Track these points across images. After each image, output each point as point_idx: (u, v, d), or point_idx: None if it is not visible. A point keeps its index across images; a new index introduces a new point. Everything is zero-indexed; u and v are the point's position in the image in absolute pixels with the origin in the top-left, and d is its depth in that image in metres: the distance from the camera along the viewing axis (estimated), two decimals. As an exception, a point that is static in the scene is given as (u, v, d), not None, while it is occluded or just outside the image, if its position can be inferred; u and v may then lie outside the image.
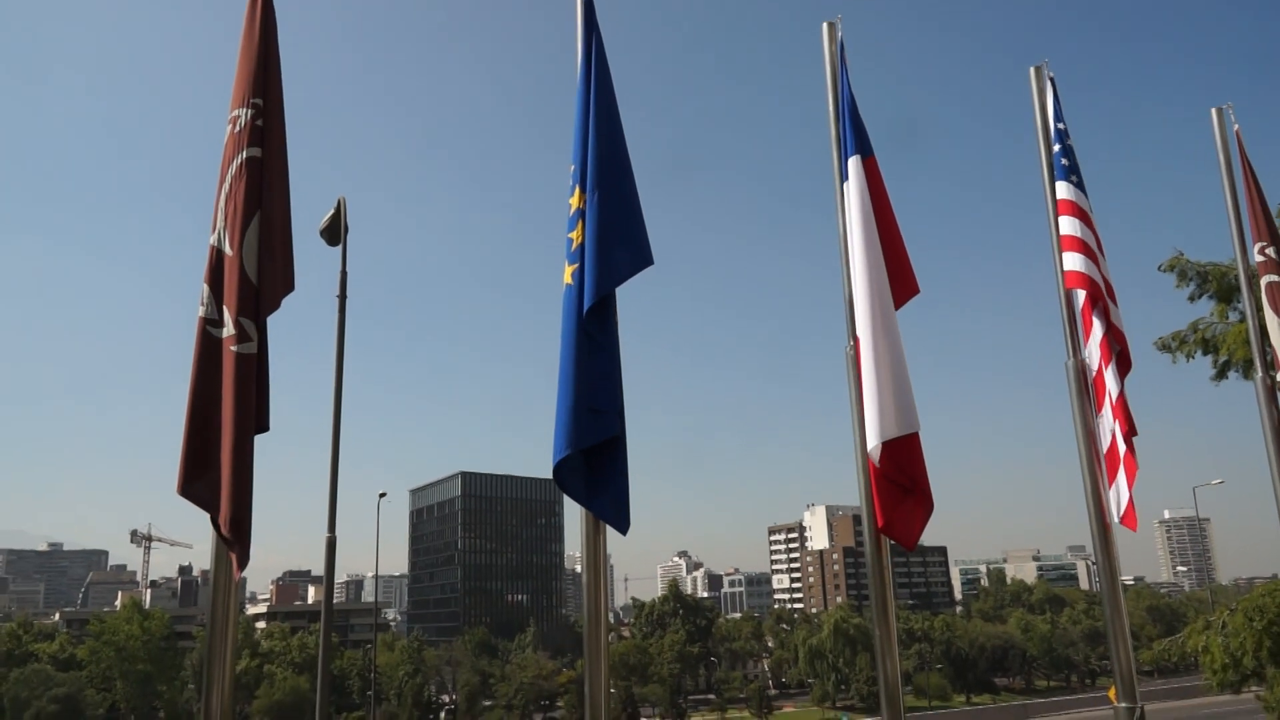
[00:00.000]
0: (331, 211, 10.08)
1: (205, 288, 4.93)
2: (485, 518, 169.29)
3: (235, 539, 4.56)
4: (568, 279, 5.45)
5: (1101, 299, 6.81)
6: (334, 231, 9.49)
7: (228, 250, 4.92)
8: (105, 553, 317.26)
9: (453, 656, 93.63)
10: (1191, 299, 14.11)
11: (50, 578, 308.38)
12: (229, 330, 4.79)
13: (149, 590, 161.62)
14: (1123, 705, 6.46)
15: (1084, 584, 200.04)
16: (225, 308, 4.83)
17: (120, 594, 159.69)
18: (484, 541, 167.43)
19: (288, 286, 4.96)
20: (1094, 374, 6.70)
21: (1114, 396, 6.48)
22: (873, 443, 5.55)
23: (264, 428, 4.82)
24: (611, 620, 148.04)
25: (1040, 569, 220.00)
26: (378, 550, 43.59)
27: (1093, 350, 6.75)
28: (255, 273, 4.84)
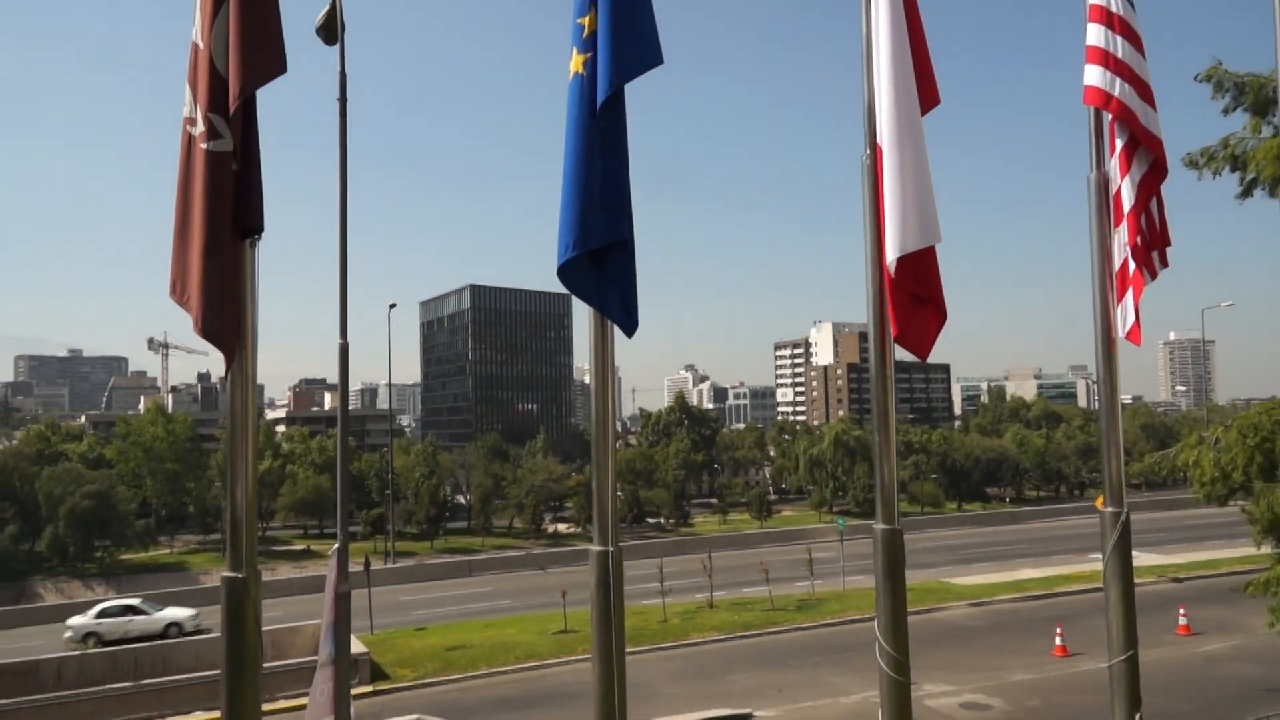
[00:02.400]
0: (327, 7, 9.57)
1: (186, 88, 4.77)
2: (495, 330, 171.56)
3: (210, 338, 4.54)
4: (577, 68, 5.17)
5: (1128, 114, 6.54)
6: (330, 29, 9.02)
7: (200, 44, 4.71)
8: (125, 359, 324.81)
9: (466, 460, 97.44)
10: (1226, 112, 13.58)
11: (73, 383, 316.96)
12: (199, 128, 4.62)
13: (170, 396, 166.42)
14: (1109, 510, 6.73)
15: (1082, 403, 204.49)
16: (197, 104, 4.66)
17: (143, 399, 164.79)
18: (494, 353, 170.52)
19: (268, 70, 4.64)
20: (1115, 188, 6.55)
21: (1128, 210, 6.36)
22: (893, 255, 5.48)
23: (254, 229, 4.73)
24: (619, 429, 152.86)
25: (1040, 387, 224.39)
26: (390, 358, 44.41)
27: (1114, 163, 6.57)
28: (224, 65, 4.60)
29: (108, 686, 23.22)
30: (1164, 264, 6.59)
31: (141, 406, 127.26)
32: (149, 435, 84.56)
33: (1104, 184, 6.69)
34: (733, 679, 23.28)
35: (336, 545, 10.71)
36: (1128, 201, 6.37)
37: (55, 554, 72.32)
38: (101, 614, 37.47)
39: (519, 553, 65.57)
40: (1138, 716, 6.99)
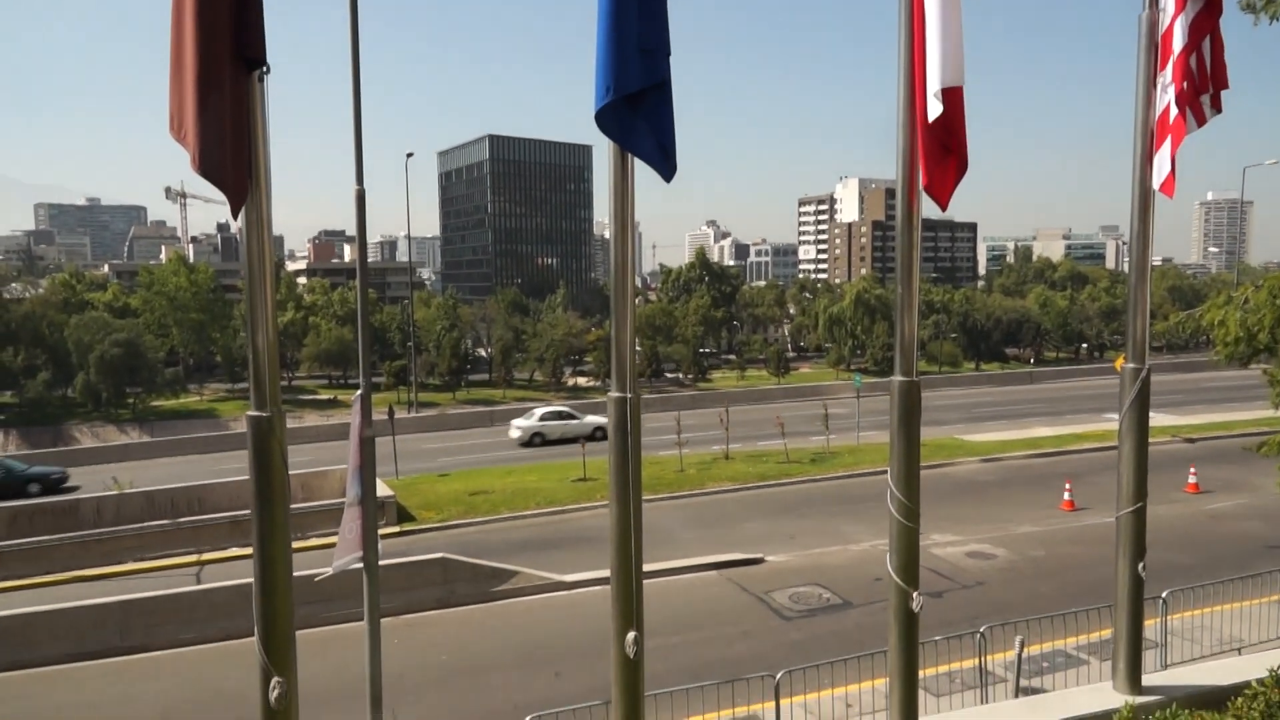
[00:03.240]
0: None
1: None
2: (514, 181, 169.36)
3: (208, 176, 4.42)
4: None
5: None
6: None
7: None
8: (144, 208, 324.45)
9: (486, 314, 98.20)
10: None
11: (93, 232, 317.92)
12: None
13: (190, 246, 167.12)
14: (1130, 365, 6.74)
15: (1110, 264, 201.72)
16: None
17: (164, 249, 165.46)
18: (513, 205, 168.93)
19: None
20: (1164, 28, 6.20)
21: (1178, 52, 6.04)
22: (936, 86, 5.29)
23: (256, 61, 4.56)
24: (639, 285, 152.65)
25: (1069, 248, 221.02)
26: (408, 210, 44.03)
27: (1168, 1, 6.20)
28: None
29: (146, 524, 24.34)
30: (1216, 109, 6.30)
31: (163, 257, 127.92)
32: (172, 285, 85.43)
33: (1154, 24, 6.34)
34: (746, 526, 24.09)
35: (359, 391, 10.94)
36: (1178, 42, 6.05)
37: (88, 399, 74.44)
38: (544, 417, 43.86)
39: (539, 404, 66.85)
40: (1141, 565, 7.20)
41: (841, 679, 11.69)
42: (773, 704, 11.02)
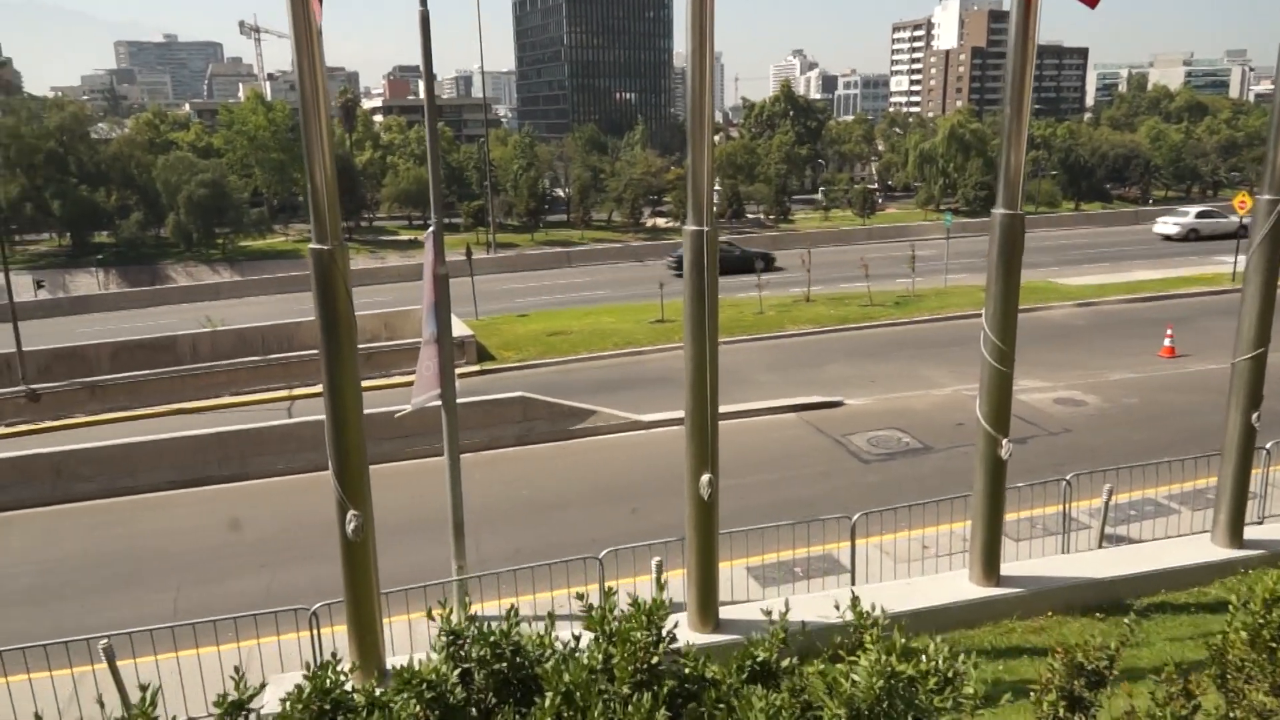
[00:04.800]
0: None
1: None
2: (590, 9, 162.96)
3: None
4: None
5: None
6: None
7: None
8: (220, 45, 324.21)
9: (564, 152, 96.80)
10: None
11: (172, 70, 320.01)
12: None
13: (268, 83, 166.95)
14: (1264, 197, 6.09)
15: (1234, 93, 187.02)
16: None
17: (241, 86, 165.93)
18: (590, 36, 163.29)
19: None
20: None
21: None
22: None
23: None
24: (719, 120, 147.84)
25: (1189, 75, 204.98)
26: (480, 42, 42.68)
27: None
28: None
29: (239, 360, 25.37)
30: None
31: (241, 95, 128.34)
32: (252, 124, 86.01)
33: None
34: (826, 370, 23.90)
35: (431, 229, 10.83)
36: None
37: (180, 240, 76.91)
38: (1198, 215, 48.79)
39: (617, 245, 66.57)
40: (1255, 415, 6.77)
41: (919, 521, 11.68)
42: (848, 544, 11.10)
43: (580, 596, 3.72)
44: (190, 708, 9.08)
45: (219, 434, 17.81)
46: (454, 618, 3.46)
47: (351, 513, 5.05)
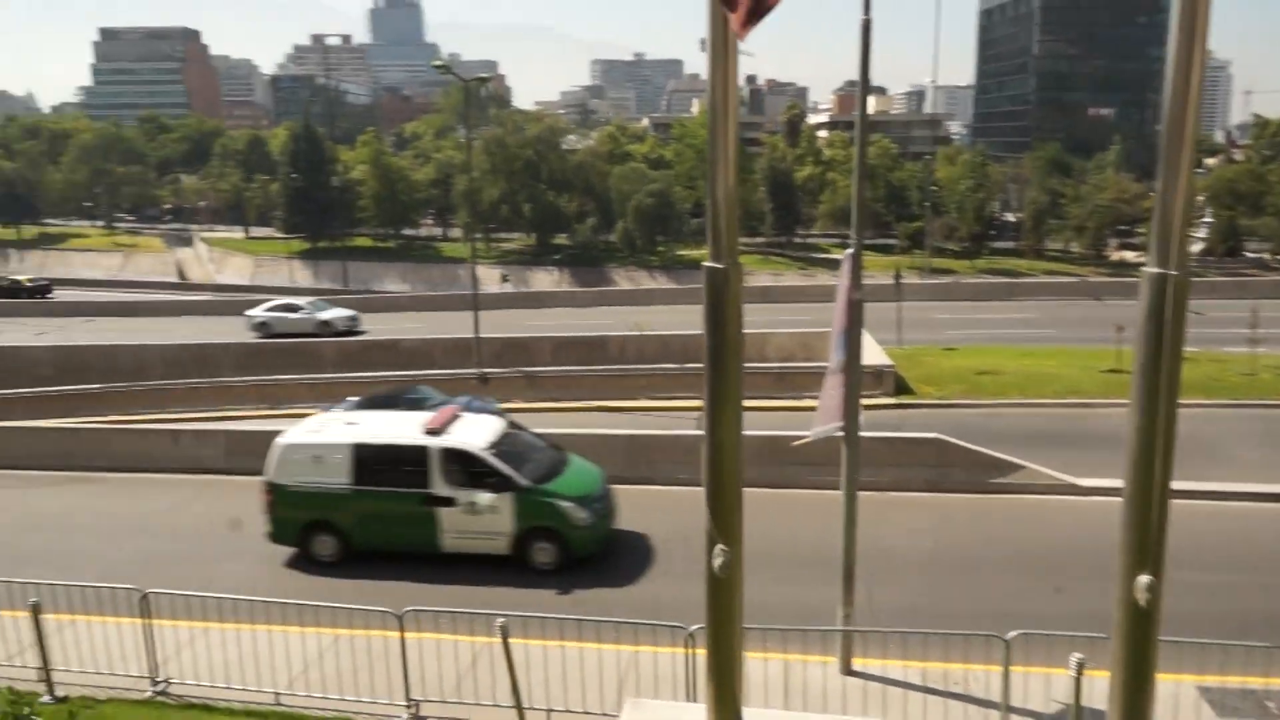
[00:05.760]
0: None
1: None
2: (1069, 15, 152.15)
3: None
4: None
5: None
6: None
7: None
8: (681, 61, 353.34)
9: (1019, 173, 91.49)
10: None
11: (637, 86, 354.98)
12: None
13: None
14: None
15: None
16: None
17: (694, 101, 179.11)
18: (1065, 45, 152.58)
19: None
20: None
21: None
22: None
23: None
24: (1220, 139, 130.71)
25: None
26: (936, 53, 41.65)
27: None
28: None
29: (656, 365, 27.23)
30: None
31: (694, 109, 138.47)
32: (700, 138, 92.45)
33: None
34: (1337, 454, 19.77)
35: (849, 251, 10.59)
36: None
37: (625, 245, 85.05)
38: None
39: (1071, 279, 61.36)
40: None
41: None
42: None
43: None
44: (568, 699, 9.81)
45: (629, 436, 19.14)
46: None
47: (720, 547, 4.97)
